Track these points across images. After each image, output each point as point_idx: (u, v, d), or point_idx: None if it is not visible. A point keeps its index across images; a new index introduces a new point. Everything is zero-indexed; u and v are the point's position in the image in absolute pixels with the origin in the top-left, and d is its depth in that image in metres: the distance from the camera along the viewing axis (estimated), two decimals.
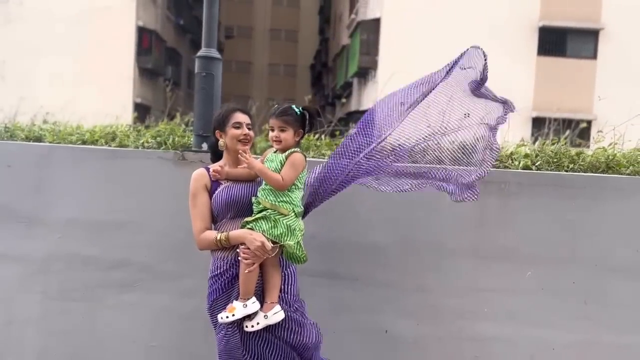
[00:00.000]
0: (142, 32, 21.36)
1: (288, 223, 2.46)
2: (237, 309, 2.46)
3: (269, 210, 2.46)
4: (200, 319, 3.08)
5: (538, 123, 15.84)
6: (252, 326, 2.48)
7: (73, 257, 3.37)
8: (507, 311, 3.19)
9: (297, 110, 2.53)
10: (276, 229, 2.44)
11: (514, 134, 3.74)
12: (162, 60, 23.57)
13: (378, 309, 3.23)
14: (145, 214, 3.33)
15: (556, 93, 17.17)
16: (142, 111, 17.12)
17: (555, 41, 18.80)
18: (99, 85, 18.17)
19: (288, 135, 2.50)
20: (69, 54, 18.69)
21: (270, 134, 2.54)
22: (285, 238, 2.45)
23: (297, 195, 2.52)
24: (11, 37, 18.16)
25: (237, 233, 2.49)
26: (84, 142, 3.63)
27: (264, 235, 2.43)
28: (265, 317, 2.48)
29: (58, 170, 3.40)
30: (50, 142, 3.64)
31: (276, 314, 2.49)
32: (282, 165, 2.48)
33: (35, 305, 3.42)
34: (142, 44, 21.31)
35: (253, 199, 2.53)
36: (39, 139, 3.72)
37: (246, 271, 2.44)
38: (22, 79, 16.85)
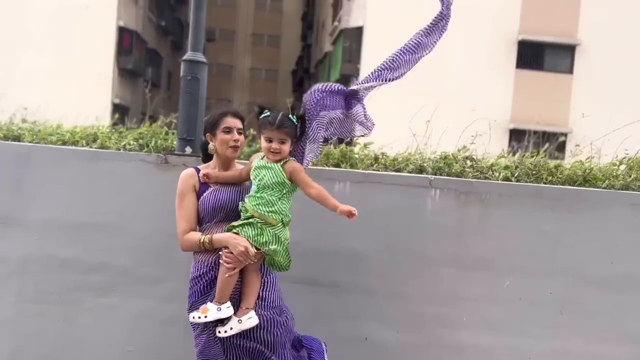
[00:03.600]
0: (122, 32, 21.12)
1: (274, 232, 2.45)
2: (210, 311, 2.43)
3: (257, 219, 2.44)
4: (179, 324, 3.05)
5: (516, 135, 16.12)
6: (225, 331, 2.45)
7: (50, 259, 3.31)
8: (486, 320, 3.23)
9: (294, 120, 2.48)
10: (262, 237, 2.43)
11: (494, 145, 3.80)
12: (142, 61, 23.32)
13: (358, 316, 3.25)
14: (126, 217, 3.29)
15: (533, 106, 17.48)
16: (120, 112, 16.91)
17: (533, 55, 19.15)
18: (77, 85, 17.89)
19: (287, 147, 2.48)
20: (47, 51, 18.37)
21: (267, 144, 2.46)
22: (270, 245, 2.44)
23: (287, 206, 2.51)
24: None
25: (220, 236, 2.47)
26: (64, 143, 3.58)
27: (249, 241, 2.42)
28: (240, 321, 2.45)
29: (37, 171, 3.34)
30: (29, 142, 3.57)
31: (250, 319, 2.46)
32: (282, 175, 2.44)
33: (9, 307, 3.34)
34: (122, 44, 21.07)
35: (240, 204, 2.51)
36: (17, 138, 3.66)
37: (226, 275, 2.42)
38: None
